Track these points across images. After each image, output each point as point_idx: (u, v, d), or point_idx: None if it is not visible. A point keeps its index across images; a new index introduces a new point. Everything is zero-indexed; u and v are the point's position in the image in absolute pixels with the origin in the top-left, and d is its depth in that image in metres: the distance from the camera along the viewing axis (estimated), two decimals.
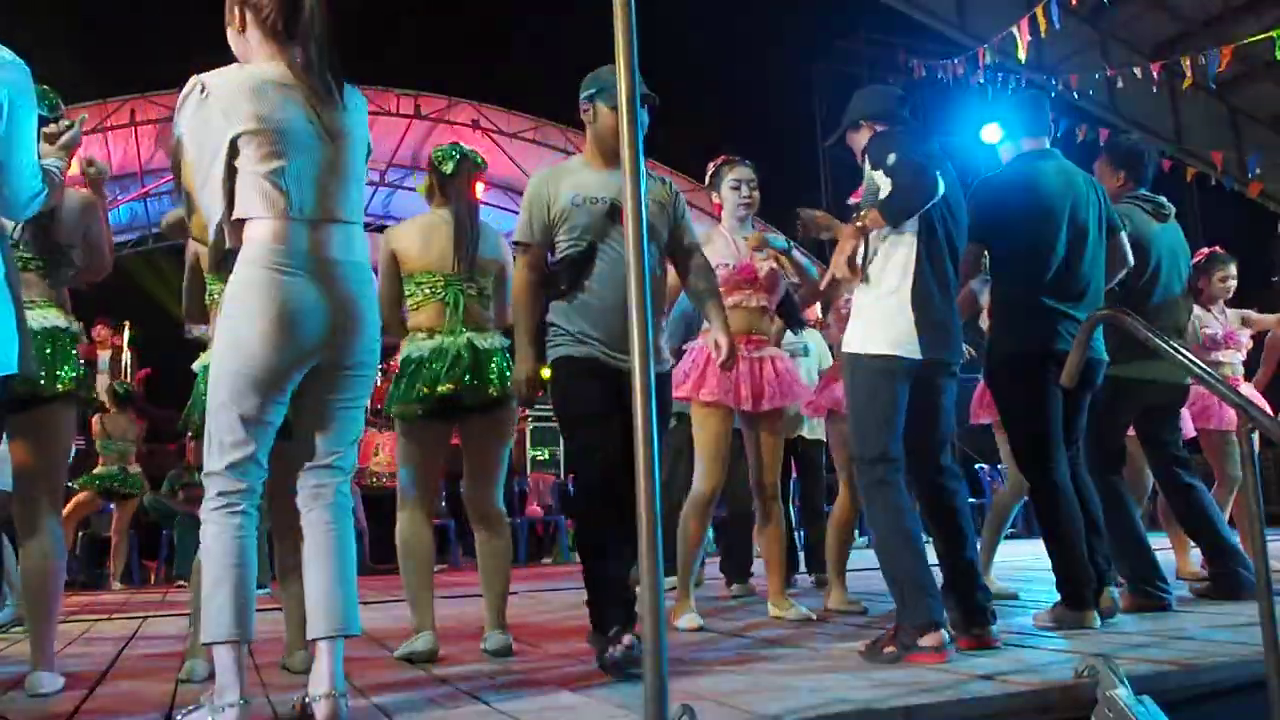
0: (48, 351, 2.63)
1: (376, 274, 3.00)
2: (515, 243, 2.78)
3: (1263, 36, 7.68)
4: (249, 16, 2.09)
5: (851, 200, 3.02)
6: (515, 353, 2.75)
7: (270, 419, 2.05)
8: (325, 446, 2.16)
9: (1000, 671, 2.26)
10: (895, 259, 2.69)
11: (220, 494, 2.01)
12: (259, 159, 2.01)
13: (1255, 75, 9.61)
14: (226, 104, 2.00)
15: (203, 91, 2.02)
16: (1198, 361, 2.27)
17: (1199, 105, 10.05)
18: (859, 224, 2.67)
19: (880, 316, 2.68)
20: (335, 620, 2.06)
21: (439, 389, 2.91)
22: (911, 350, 2.64)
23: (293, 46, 2.09)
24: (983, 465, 9.78)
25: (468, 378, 2.93)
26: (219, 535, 2.00)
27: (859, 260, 2.70)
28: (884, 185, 2.62)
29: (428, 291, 3.04)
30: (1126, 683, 1.93)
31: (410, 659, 2.85)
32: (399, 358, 3.09)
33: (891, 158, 2.61)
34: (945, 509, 2.78)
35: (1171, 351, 2.25)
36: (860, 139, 2.89)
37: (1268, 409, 4.44)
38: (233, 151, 2.00)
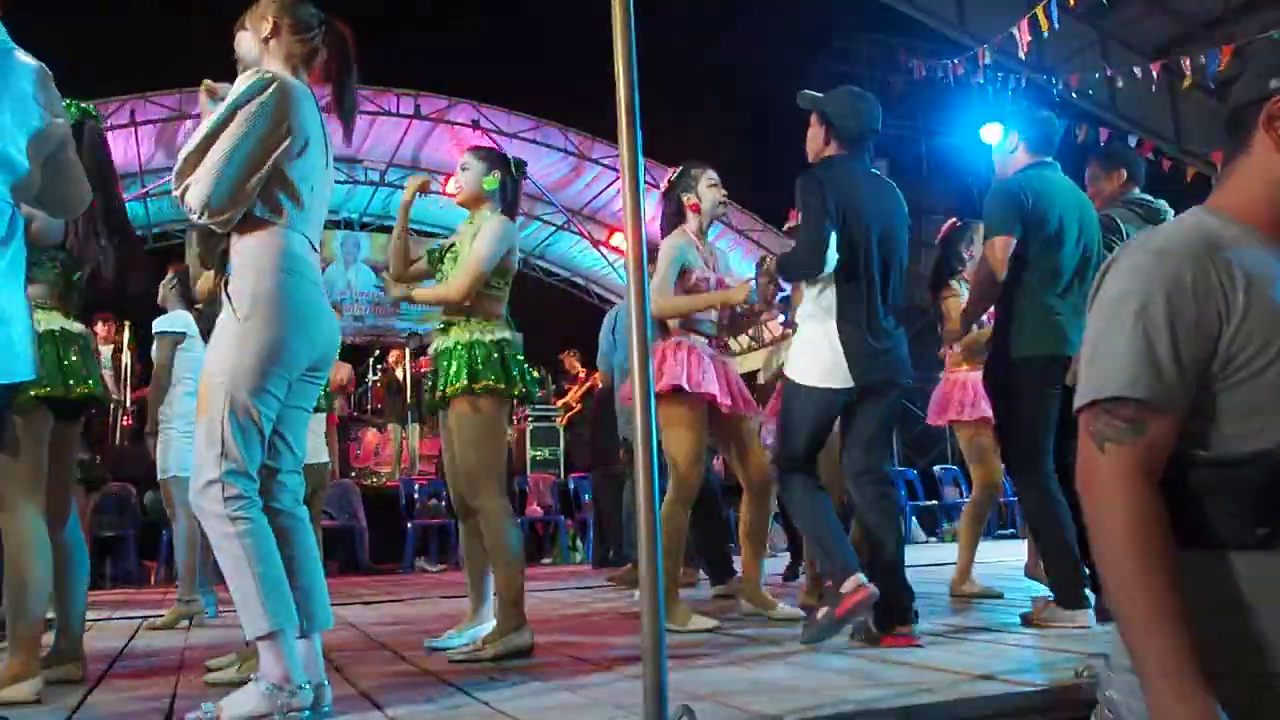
0: (73, 359, 2.66)
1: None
2: (1105, 401, 1.11)
3: (1263, 36, 7.68)
4: (286, 33, 2.20)
5: (789, 223, 3.46)
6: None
7: (273, 418, 2.13)
8: (297, 450, 2.27)
9: (1000, 671, 2.26)
10: (822, 300, 2.97)
11: (244, 493, 2.04)
12: (297, 170, 2.12)
13: None
14: (292, 108, 2.10)
15: (276, 88, 2.08)
16: None
17: (1199, 105, 10.04)
18: (766, 268, 3.23)
19: (814, 350, 2.97)
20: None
21: (524, 380, 3.02)
22: (843, 380, 2.91)
23: (308, 73, 2.24)
24: None
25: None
26: (259, 530, 2.03)
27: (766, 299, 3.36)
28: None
29: (505, 291, 3.12)
30: None
31: (513, 654, 2.83)
32: (478, 335, 3.01)
33: (799, 218, 2.99)
34: (884, 512, 2.97)
35: None
36: (814, 133, 3.10)
37: None
38: (287, 154, 2.10)
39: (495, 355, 2.97)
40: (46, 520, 2.58)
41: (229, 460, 2.03)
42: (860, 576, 2.74)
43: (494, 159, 3.20)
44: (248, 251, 2.11)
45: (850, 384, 2.90)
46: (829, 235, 2.88)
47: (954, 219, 4.52)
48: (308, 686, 2.01)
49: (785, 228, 4.59)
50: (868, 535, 2.99)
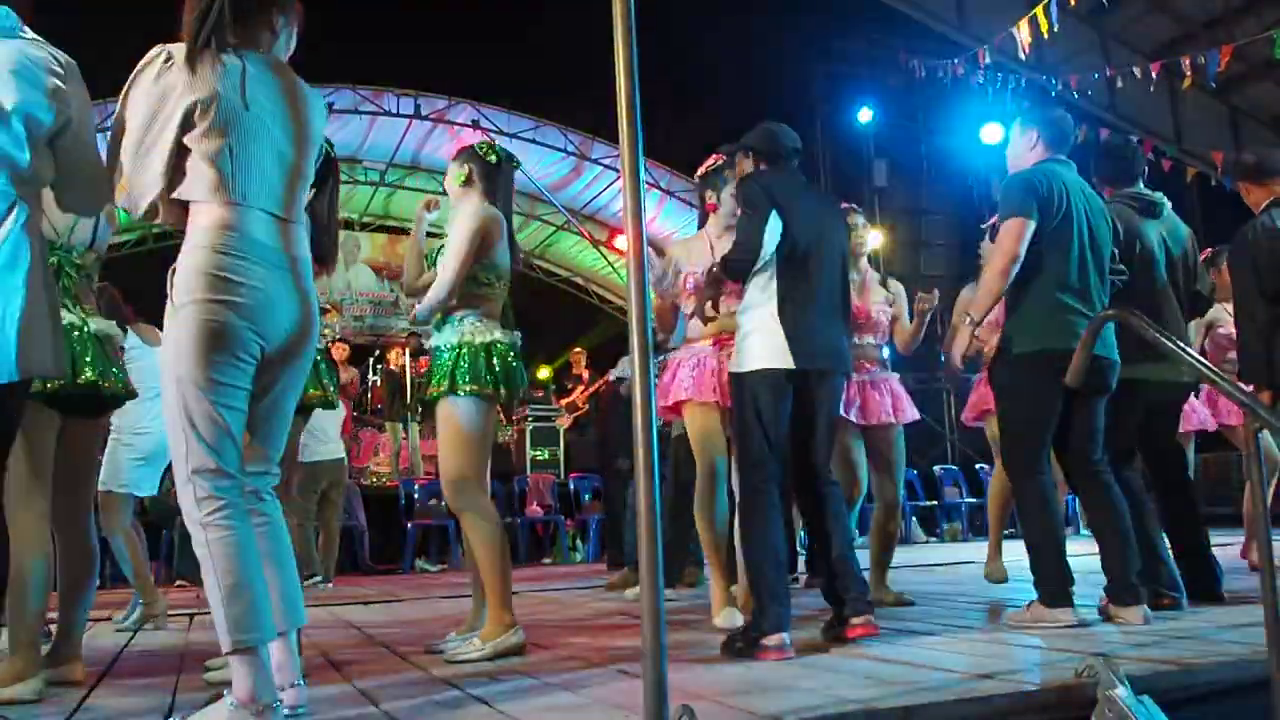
0: (75, 349, 2.66)
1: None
2: None
3: (1263, 36, 7.68)
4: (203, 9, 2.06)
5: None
6: None
7: (243, 409, 2.00)
8: (266, 447, 2.14)
9: (1000, 671, 2.26)
10: (766, 290, 2.93)
11: (216, 494, 1.93)
12: (209, 137, 1.94)
13: (1255, 75, 9.62)
14: (189, 76, 1.93)
15: (168, 60, 1.95)
16: (1203, 360, 2.28)
17: (1199, 105, 10.05)
18: (714, 270, 3.04)
19: (758, 335, 2.90)
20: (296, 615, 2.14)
21: (516, 382, 3.00)
22: (785, 361, 2.84)
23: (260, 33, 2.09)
24: (983, 465, 9.78)
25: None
26: (230, 539, 1.92)
27: (709, 304, 3.07)
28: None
29: (499, 289, 3.09)
30: (1126, 683, 1.93)
31: (504, 654, 2.84)
32: (469, 337, 2.99)
33: (737, 215, 3.02)
34: (822, 512, 2.96)
35: (1179, 352, 2.25)
36: (743, 165, 3.19)
37: None
38: (186, 124, 1.93)
39: (482, 358, 2.95)
40: (54, 521, 2.59)
41: (193, 458, 1.93)
42: (785, 638, 2.67)
43: (462, 154, 3.19)
44: (188, 237, 1.97)
45: (792, 365, 2.83)
46: (768, 217, 2.87)
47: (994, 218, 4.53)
48: (279, 704, 1.94)
49: None
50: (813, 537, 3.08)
